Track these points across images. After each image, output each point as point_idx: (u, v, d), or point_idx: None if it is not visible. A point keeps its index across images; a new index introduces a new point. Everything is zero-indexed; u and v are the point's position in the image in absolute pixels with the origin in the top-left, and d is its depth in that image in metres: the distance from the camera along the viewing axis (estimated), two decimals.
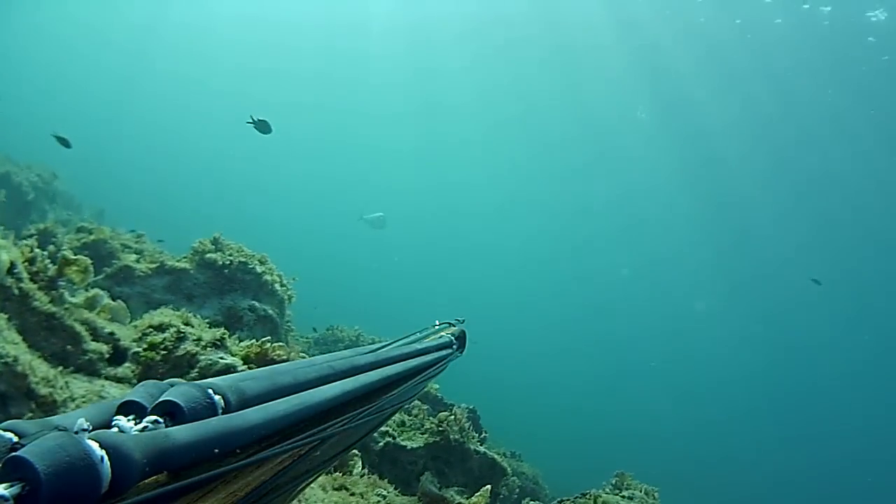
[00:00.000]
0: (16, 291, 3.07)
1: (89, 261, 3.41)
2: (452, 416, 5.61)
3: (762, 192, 31.87)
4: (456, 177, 48.16)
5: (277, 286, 6.27)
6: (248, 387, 0.91)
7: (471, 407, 7.61)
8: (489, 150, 43.00)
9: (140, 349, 3.82)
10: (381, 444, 5.38)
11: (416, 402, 6.91)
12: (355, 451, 4.53)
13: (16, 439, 0.66)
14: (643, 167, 36.58)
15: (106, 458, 0.63)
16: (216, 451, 0.77)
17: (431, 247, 50.24)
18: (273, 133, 8.02)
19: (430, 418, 5.81)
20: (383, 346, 1.55)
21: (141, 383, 0.84)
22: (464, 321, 2.25)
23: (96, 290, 3.67)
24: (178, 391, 0.79)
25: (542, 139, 38.67)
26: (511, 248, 48.66)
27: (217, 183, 49.10)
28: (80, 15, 39.72)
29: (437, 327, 2.10)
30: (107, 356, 3.80)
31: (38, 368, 2.94)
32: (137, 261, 5.83)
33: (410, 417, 5.97)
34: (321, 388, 1.06)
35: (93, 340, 3.68)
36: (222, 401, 0.84)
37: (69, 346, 3.42)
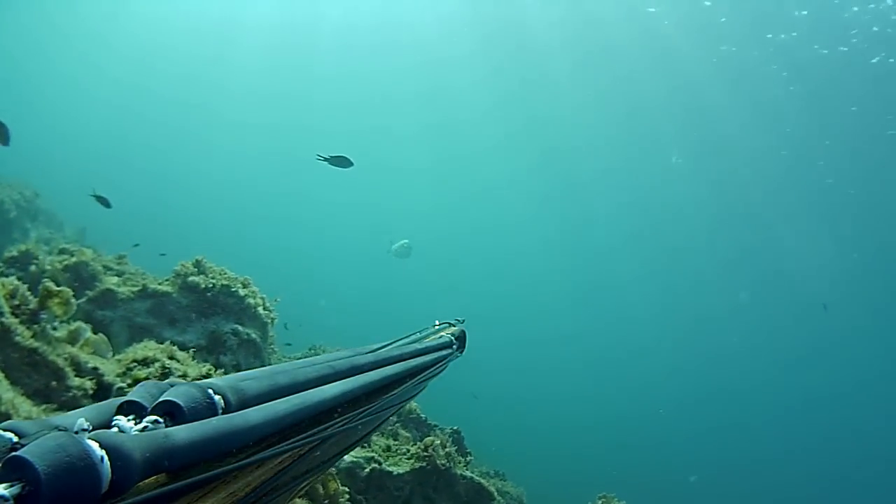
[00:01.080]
0: None
1: (71, 292, 3.35)
2: (438, 441, 5.58)
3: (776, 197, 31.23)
4: (461, 191, 47.42)
5: (261, 309, 6.20)
6: (248, 387, 0.91)
7: (455, 428, 7.54)
8: (498, 162, 42.53)
9: (124, 385, 3.75)
10: (367, 470, 5.30)
11: (401, 429, 6.87)
12: (346, 490, 4.45)
13: (16, 439, 0.66)
14: (653, 178, 36.15)
15: (106, 458, 0.63)
16: (216, 451, 0.76)
17: (416, 263, 49.50)
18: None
19: (417, 443, 5.75)
20: (383, 346, 1.55)
21: (141, 383, 0.84)
22: (464, 321, 2.24)
23: (79, 323, 3.61)
24: (179, 391, 0.79)
25: (551, 151, 38.22)
26: (502, 262, 48.38)
27: (203, 202, 48.01)
28: (59, 23, 38.92)
29: (437, 327, 2.09)
30: (91, 392, 3.72)
31: (20, 406, 2.86)
32: (119, 284, 5.73)
33: (396, 443, 5.91)
34: (321, 388, 1.06)
35: (76, 376, 3.60)
36: (222, 401, 0.85)
37: (53, 383, 3.34)
